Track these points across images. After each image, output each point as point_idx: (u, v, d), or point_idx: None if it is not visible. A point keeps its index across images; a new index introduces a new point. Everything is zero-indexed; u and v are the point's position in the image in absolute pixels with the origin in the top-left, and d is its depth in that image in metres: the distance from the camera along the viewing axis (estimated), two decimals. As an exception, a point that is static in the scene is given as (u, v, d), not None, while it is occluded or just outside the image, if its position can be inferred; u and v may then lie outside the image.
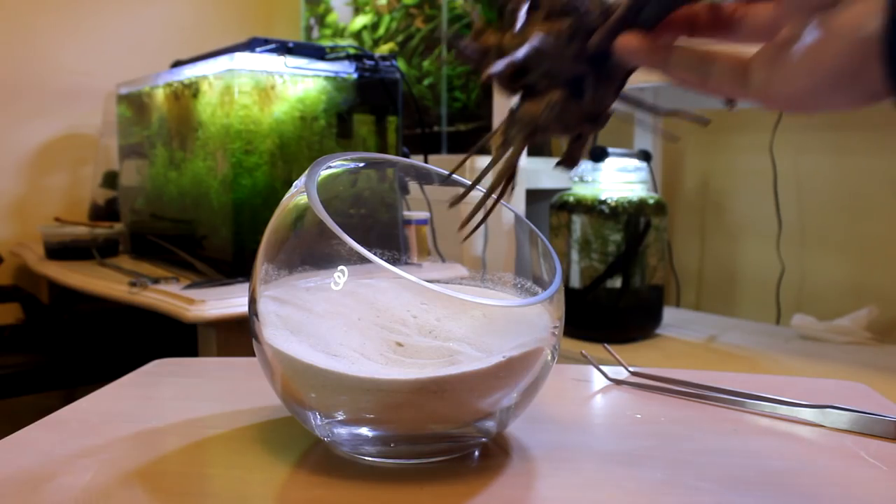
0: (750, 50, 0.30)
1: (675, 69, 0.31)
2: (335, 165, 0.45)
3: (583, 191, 1.20)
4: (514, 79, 0.32)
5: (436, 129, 1.81)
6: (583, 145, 0.34)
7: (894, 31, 0.25)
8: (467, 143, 1.75)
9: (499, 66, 0.31)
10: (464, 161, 0.35)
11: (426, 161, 1.30)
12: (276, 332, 0.40)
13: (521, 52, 0.30)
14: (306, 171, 0.41)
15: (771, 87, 0.28)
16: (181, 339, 1.17)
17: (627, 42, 0.31)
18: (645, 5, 0.30)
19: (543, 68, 0.32)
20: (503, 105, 1.25)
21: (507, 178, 0.33)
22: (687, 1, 0.31)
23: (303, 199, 0.40)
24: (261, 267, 0.42)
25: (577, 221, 1.18)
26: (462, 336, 0.42)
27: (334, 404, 0.38)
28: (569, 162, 0.35)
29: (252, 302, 0.41)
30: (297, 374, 0.39)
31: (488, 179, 0.36)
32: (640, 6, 0.30)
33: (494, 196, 0.35)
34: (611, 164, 1.19)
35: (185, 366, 0.61)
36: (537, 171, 1.42)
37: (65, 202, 1.93)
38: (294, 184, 0.42)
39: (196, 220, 1.33)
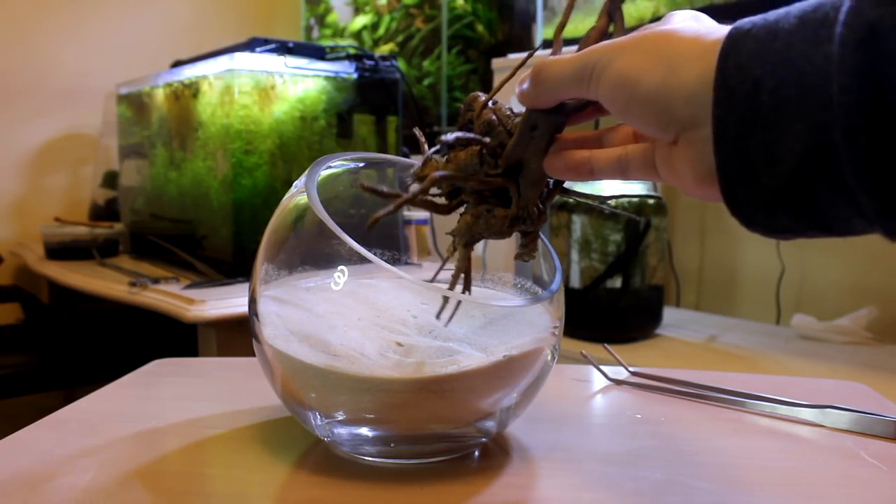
0: None
1: (599, 175, 0.35)
2: (335, 165, 0.45)
3: (583, 191, 1.20)
4: (451, 198, 0.37)
5: (436, 129, 1.81)
6: (533, 240, 0.38)
7: (726, 171, 0.27)
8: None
9: (413, 189, 0.34)
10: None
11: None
12: (276, 332, 0.40)
13: (433, 176, 0.34)
14: (306, 171, 0.41)
15: (673, 181, 0.31)
16: (181, 339, 1.17)
17: (552, 163, 0.35)
18: (535, 126, 0.35)
19: (468, 187, 0.36)
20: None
21: (464, 275, 0.37)
22: (572, 112, 0.35)
23: (303, 199, 0.40)
24: (261, 267, 0.42)
25: (577, 221, 1.18)
26: (462, 336, 0.42)
27: (334, 404, 0.38)
28: (525, 256, 0.39)
29: (252, 302, 0.41)
30: (297, 374, 0.39)
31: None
32: (533, 125, 0.35)
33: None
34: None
35: (185, 366, 0.61)
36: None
37: (65, 202, 1.93)
38: (294, 184, 0.42)
39: (196, 220, 1.33)
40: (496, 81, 1.27)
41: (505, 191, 0.36)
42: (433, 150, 0.35)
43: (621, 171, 0.34)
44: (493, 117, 0.35)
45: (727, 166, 0.26)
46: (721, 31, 0.29)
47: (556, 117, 0.35)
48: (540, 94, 0.33)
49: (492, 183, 0.36)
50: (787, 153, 0.25)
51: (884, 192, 0.23)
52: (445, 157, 0.36)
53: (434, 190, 0.37)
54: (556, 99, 0.34)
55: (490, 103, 0.37)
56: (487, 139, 0.34)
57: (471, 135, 0.35)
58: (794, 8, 0.26)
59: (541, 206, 0.37)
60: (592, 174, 0.35)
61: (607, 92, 0.30)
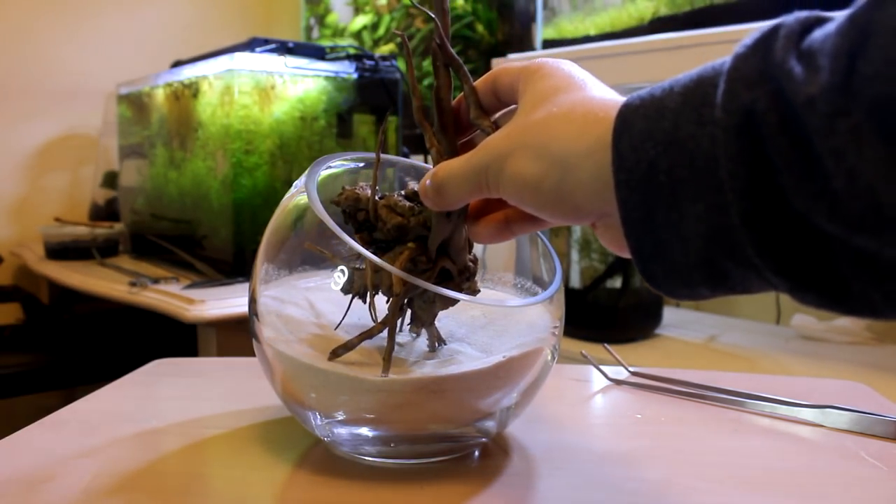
0: None
1: (519, 232, 0.36)
2: (335, 165, 0.45)
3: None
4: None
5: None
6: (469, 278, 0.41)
7: (640, 252, 0.27)
8: (468, 143, 1.75)
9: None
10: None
11: (426, 161, 1.30)
12: (276, 333, 0.40)
13: (393, 314, 0.37)
14: (306, 171, 0.41)
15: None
16: (181, 339, 1.17)
17: (478, 234, 0.37)
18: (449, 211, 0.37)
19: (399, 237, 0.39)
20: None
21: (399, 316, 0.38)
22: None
23: (303, 199, 0.40)
24: (261, 267, 0.42)
25: (577, 221, 1.18)
26: (462, 336, 0.42)
27: (334, 404, 0.38)
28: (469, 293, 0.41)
29: (252, 302, 0.41)
30: (297, 374, 0.39)
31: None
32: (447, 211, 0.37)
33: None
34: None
35: (185, 366, 0.61)
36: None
37: (65, 202, 1.93)
38: (294, 184, 0.42)
39: (196, 220, 1.33)
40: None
41: (422, 239, 0.38)
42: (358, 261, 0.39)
43: (535, 224, 0.35)
44: (402, 219, 0.38)
45: (640, 247, 0.26)
46: (601, 102, 0.29)
47: None
48: (446, 203, 0.34)
49: (431, 269, 0.38)
50: (692, 233, 0.25)
51: (788, 271, 0.23)
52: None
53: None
54: (462, 204, 0.35)
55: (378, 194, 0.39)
56: (412, 245, 0.36)
57: (400, 273, 0.36)
58: (677, 83, 0.26)
59: (473, 256, 0.40)
60: (513, 234, 0.36)
61: (511, 196, 0.31)
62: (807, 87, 0.21)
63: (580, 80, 0.31)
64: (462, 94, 0.37)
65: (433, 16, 0.36)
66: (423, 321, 0.40)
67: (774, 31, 0.23)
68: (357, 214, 0.39)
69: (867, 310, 0.22)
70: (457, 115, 0.37)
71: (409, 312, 0.40)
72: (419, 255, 0.37)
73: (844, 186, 0.20)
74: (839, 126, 0.20)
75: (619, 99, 0.28)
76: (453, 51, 0.36)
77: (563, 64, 0.33)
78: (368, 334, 0.37)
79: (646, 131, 0.25)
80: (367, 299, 0.39)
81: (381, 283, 0.38)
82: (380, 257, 0.38)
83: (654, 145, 0.25)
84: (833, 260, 0.22)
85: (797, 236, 0.22)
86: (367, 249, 0.37)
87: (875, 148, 0.19)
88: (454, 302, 0.39)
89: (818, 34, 0.22)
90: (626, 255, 0.28)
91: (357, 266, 0.40)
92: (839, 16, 0.21)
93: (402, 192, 0.39)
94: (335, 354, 0.37)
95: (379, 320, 0.38)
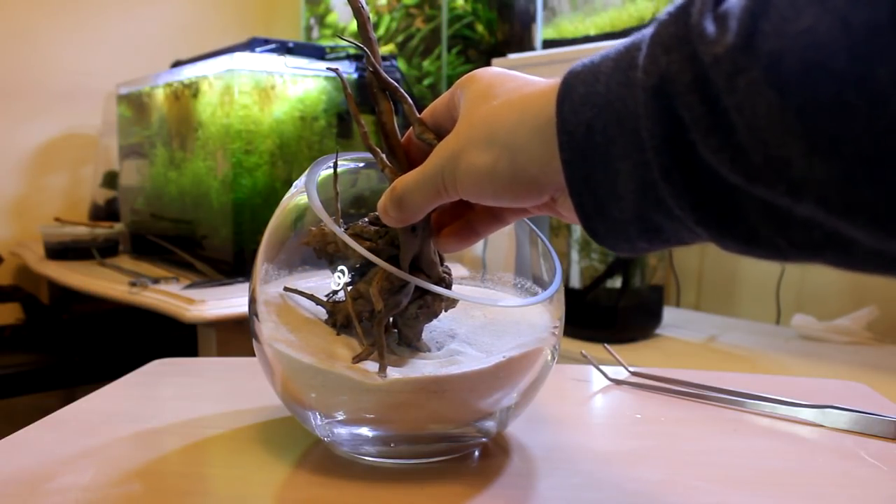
0: None
1: (484, 234, 0.37)
2: (336, 163, 0.45)
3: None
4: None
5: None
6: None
7: (584, 209, 0.28)
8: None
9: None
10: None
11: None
12: (276, 332, 0.40)
13: (382, 333, 0.38)
14: (306, 171, 0.41)
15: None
16: (181, 339, 1.17)
17: (444, 245, 0.38)
18: (414, 227, 0.38)
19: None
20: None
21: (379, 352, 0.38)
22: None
23: (303, 199, 0.40)
24: (261, 267, 0.42)
25: (577, 221, 1.18)
26: (462, 336, 0.42)
27: (334, 404, 0.38)
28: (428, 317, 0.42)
29: (252, 302, 0.41)
30: (297, 374, 0.39)
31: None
32: (412, 227, 0.38)
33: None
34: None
35: (185, 366, 0.61)
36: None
37: (65, 202, 1.93)
38: (294, 184, 0.42)
39: (196, 220, 1.33)
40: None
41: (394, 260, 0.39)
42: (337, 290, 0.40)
43: (497, 221, 0.36)
44: (371, 243, 0.39)
45: (583, 204, 0.28)
46: (537, 84, 0.30)
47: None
48: (408, 217, 0.35)
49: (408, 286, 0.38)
50: (624, 190, 0.26)
51: (706, 221, 0.24)
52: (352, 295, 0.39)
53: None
54: (424, 214, 0.36)
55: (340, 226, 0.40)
56: (388, 266, 0.36)
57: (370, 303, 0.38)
58: (612, 49, 0.27)
59: (446, 268, 0.41)
60: (479, 236, 0.37)
61: (469, 192, 0.32)
62: (714, 46, 0.22)
63: (511, 76, 0.33)
64: (409, 130, 0.38)
65: (361, 46, 0.37)
66: (410, 338, 0.40)
67: None
68: (327, 248, 0.41)
69: (776, 254, 0.24)
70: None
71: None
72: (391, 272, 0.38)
73: (744, 140, 0.22)
74: (739, 82, 0.21)
75: (555, 81, 0.30)
76: (386, 75, 0.38)
77: (493, 69, 0.35)
78: (361, 357, 0.37)
79: (584, 95, 0.27)
80: (355, 328, 0.39)
81: (364, 309, 0.39)
82: (357, 285, 0.39)
83: (591, 108, 0.26)
84: (741, 209, 0.23)
85: (710, 188, 0.24)
86: (344, 286, 0.39)
87: (769, 101, 0.21)
88: (437, 314, 0.40)
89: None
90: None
91: (336, 300, 0.41)
92: None
93: (366, 219, 0.40)
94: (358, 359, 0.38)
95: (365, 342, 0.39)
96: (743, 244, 0.24)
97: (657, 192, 0.25)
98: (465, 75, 0.35)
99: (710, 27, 0.23)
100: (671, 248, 0.28)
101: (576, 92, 0.27)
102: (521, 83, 0.32)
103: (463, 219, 0.37)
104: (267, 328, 0.40)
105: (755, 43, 0.21)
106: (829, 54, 0.19)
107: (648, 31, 0.25)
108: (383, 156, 0.39)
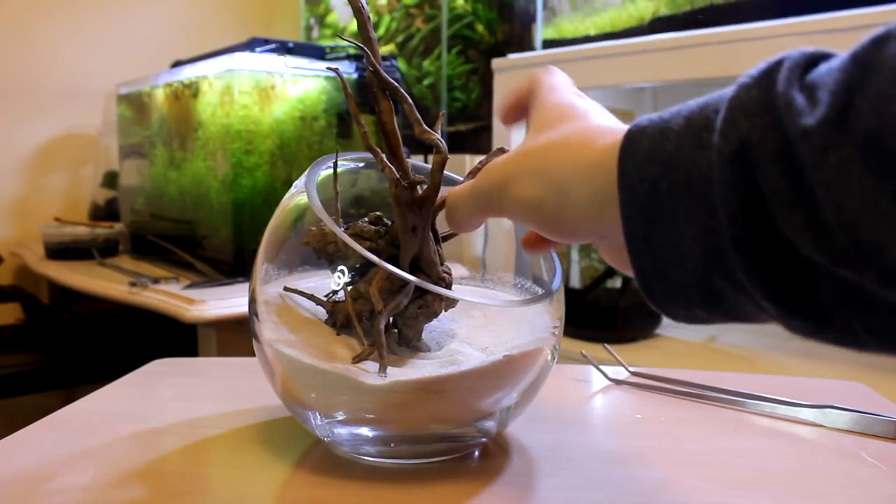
0: None
1: (552, 246, 0.38)
2: (336, 163, 0.45)
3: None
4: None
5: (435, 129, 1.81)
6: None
7: (641, 269, 0.27)
8: (467, 143, 1.75)
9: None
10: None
11: (426, 161, 1.30)
12: (276, 333, 0.40)
13: (380, 332, 0.38)
14: (306, 171, 0.41)
15: None
16: (181, 339, 1.17)
17: (527, 246, 0.38)
18: (414, 227, 0.39)
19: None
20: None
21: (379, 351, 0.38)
22: (440, 208, 0.39)
23: (303, 199, 0.40)
24: (261, 267, 0.42)
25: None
26: (462, 336, 0.42)
27: (334, 404, 0.38)
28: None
29: (252, 302, 0.41)
30: (297, 374, 0.39)
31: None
32: (412, 226, 0.39)
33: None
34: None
35: (185, 366, 0.61)
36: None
37: (65, 202, 1.93)
38: (294, 184, 0.42)
39: (196, 220, 1.33)
40: (496, 82, 1.27)
41: (393, 260, 0.40)
42: (338, 289, 0.40)
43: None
44: (371, 243, 0.39)
45: (641, 264, 0.27)
46: (598, 129, 0.30)
47: (427, 213, 0.39)
48: (457, 225, 0.36)
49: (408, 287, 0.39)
50: (689, 253, 0.25)
51: (776, 297, 0.23)
52: (353, 296, 0.39)
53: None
54: (471, 226, 0.36)
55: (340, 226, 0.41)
56: (388, 266, 0.36)
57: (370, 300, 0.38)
58: (684, 107, 0.26)
59: (446, 268, 0.41)
60: (550, 244, 0.38)
61: (516, 217, 0.32)
62: (804, 119, 0.21)
63: (582, 109, 0.32)
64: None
65: (361, 46, 0.37)
66: (410, 338, 0.40)
67: (779, 63, 0.23)
68: (327, 248, 0.41)
69: (850, 340, 0.23)
70: None
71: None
72: (391, 272, 0.38)
73: (831, 219, 0.21)
74: (830, 159, 0.20)
75: (619, 126, 0.29)
76: (386, 75, 0.38)
77: (562, 79, 0.34)
78: (361, 357, 0.37)
79: (650, 151, 0.26)
80: (355, 328, 0.39)
81: (364, 309, 0.39)
82: (357, 285, 0.39)
83: (657, 165, 0.25)
84: (818, 289, 0.22)
85: (785, 264, 0.22)
86: (344, 286, 0.39)
87: (863, 182, 0.20)
88: (436, 314, 0.40)
89: (822, 69, 0.22)
90: (629, 272, 0.29)
91: (336, 300, 0.41)
92: (843, 53, 0.22)
93: (366, 219, 0.40)
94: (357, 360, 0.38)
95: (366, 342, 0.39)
96: (814, 326, 0.23)
97: (725, 260, 0.24)
98: (540, 75, 0.35)
99: (798, 97, 0.22)
100: (730, 322, 0.27)
101: (641, 147, 0.26)
102: (588, 121, 0.31)
103: None
104: (267, 328, 0.40)
105: (850, 119, 0.20)
106: None
107: (728, 93, 0.24)
108: (383, 156, 0.39)
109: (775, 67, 0.23)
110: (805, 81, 0.22)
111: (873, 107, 0.20)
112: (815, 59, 0.23)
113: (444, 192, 0.38)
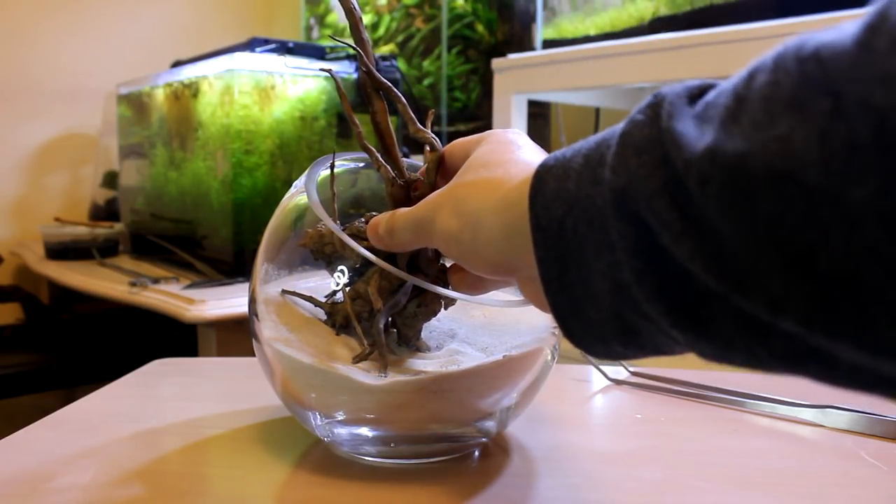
0: None
1: (491, 287, 0.37)
2: (335, 165, 0.45)
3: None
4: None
5: (436, 129, 1.81)
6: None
7: (558, 308, 0.27)
8: (467, 143, 1.75)
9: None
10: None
11: (426, 161, 1.30)
12: (276, 332, 0.40)
13: (379, 330, 0.38)
14: (306, 171, 0.41)
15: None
16: (181, 339, 1.17)
17: (458, 285, 0.38)
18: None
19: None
20: (503, 106, 1.25)
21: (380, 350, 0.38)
22: None
23: (303, 199, 0.40)
24: (261, 267, 0.42)
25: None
26: (462, 336, 0.42)
27: (334, 404, 0.38)
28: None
29: (252, 302, 0.41)
30: (297, 374, 0.39)
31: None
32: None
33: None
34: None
35: (185, 366, 0.61)
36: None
37: (65, 202, 1.93)
38: (294, 184, 0.42)
39: (196, 220, 1.33)
40: (496, 82, 1.27)
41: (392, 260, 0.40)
42: (337, 289, 0.40)
43: (504, 281, 0.36)
44: (368, 243, 0.39)
45: (557, 303, 0.27)
46: (522, 164, 0.31)
47: None
48: (395, 247, 0.37)
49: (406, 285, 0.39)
50: (598, 289, 0.25)
51: (681, 325, 0.23)
52: (351, 296, 0.39)
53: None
54: (410, 249, 0.37)
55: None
56: (384, 263, 0.36)
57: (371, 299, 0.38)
58: (585, 143, 0.27)
59: (443, 266, 0.41)
60: (486, 288, 0.37)
61: (440, 247, 0.33)
62: (688, 151, 0.21)
63: (517, 147, 0.33)
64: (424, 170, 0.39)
65: (355, 46, 0.38)
66: (409, 338, 0.40)
67: (661, 97, 0.24)
68: (324, 249, 0.41)
69: (756, 363, 0.23)
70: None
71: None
72: (389, 272, 0.38)
73: (720, 249, 0.21)
74: (711, 189, 0.21)
75: (536, 162, 0.29)
76: (380, 75, 0.38)
77: (508, 133, 0.35)
78: (361, 357, 0.37)
79: (555, 191, 0.26)
80: (355, 328, 0.39)
81: (363, 309, 0.39)
82: (355, 285, 0.39)
83: (562, 204, 0.26)
84: (718, 316, 0.22)
85: (685, 292, 0.23)
86: (343, 286, 0.39)
87: (740, 210, 0.20)
88: (435, 314, 0.40)
89: (710, 97, 0.22)
90: (547, 312, 0.29)
91: (335, 301, 0.41)
92: (725, 84, 0.22)
93: (363, 220, 0.40)
94: (358, 360, 0.38)
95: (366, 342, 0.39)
96: (720, 351, 0.23)
97: (631, 294, 0.24)
98: (485, 133, 0.36)
99: (684, 129, 0.22)
100: (647, 356, 0.27)
101: (548, 188, 0.27)
102: (516, 157, 0.32)
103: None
104: (267, 328, 0.40)
105: (724, 148, 0.20)
106: (801, 167, 0.19)
107: (619, 128, 0.25)
108: (378, 155, 0.39)
109: (659, 102, 0.23)
110: (695, 110, 0.22)
111: (743, 132, 0.20)
112: (701, 91, 0.24)
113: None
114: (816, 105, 0.19)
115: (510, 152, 0.33)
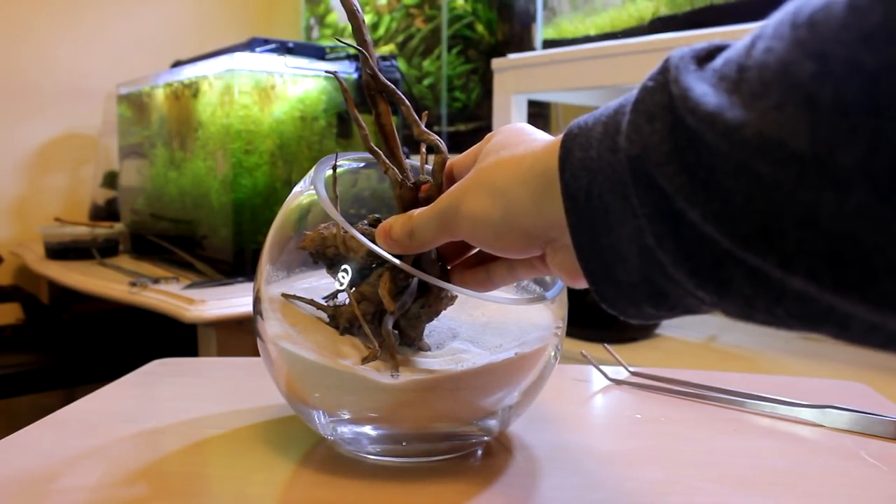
0: None
1: (499, 284, 0.38)
2: (336, 165, 0.45)
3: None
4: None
5: (436, 129, 1.81)
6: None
7: (591, 273, 0.28)
8: (468, 144, 1.75)
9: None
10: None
11: (426, 161, 1.30)
12: (282, 331, 0.40)
13: (389, 331, 0.38)
14: (312, 170, 0.41)
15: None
16: (181, 339, 1.17)
17: (461, 280, 0.38)
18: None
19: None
20: (503, 106, 1.25)
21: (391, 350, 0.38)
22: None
23: (307, 198, 0.40)
24: (265, 266, 0.42)
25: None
26: (465, 335, 0.42)
27: (339, 403, 0.38)
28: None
29: (257, 301, 0.41)
30: (301, 372, 0.39)
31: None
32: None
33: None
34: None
35: (185, 366, 0.61)
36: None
37: (65, 202, 1.93)
38: (298, 183, 0.42)
39: (196, 220, 1.33)
40: (496, 82, 1.27)
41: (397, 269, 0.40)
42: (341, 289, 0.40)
43: (511, 273, 0.37)
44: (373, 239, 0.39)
45: (591, 269, 0.28)
46: (543, 140, 0.31)
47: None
48: (417, 248, 0.36)
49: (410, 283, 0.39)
50: (629, 254, 0.26)
51: (705, 286, 0.24)
52: (357, 298, 0.39)
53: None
54: (431, 247, 0.37)
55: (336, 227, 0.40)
56: (396, 261, 0.36)
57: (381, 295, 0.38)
58: (605, 109, 0.27)
59: (445, 266, 0.41)
60: (493, 285, 0.38)
61: (468, 234, 0.33)
62: (692, 119, 0.22)
63: (525, 133, 0.34)
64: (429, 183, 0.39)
65: (359, 48, 0.38)
66: (412, 338, 0.40)
67: (673, 63, 0.24)
68: (326, 251, 0.41)
69: (777, 322, 0.23)
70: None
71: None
72: (397, 273, 0.38)
73: (729, 209, 0.21)
74: (715, 157, 0.21)
75: (556, 141, 0.30)
76: (384, 78, 0.39)
77: (514, 126, 0.35)
78: (369, 358, 0.37)
79: (581, 161, 0.27)
80: (361, 328, 0.39)
81: (368, 311, 0.39)
82: (359, 287, 0.39)
83: (587, 173, 0.27)
84: (736, 276, 0.23)
85: (703, 254, 0.23)
86: (346, 288, 0.39)
87: (745, 173, 0.20)
88: (438, 313, 0.40)
89: (717, 65, 0.23)
90: (576, 283, 0.30)
91: (337, 304, 0.41)
92: (730, 50, 0.23)
93: (365, 221, 0.41)
94: (365, 361, 0.38)
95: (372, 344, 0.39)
96: (742, 311, 0.24)
97: (657, 257, 0.25)
98: (496, 130, 0.36)
99: (692, 94, 0.22)
100: (678, 316, 0.28)
101: (574, 157, 0.27)
102: (528, 140, 0.32)
103: (483, 266, 0.38)
104: (272, 326, 0.40)
105: (726, 116, 0.21)
106: (791, 132, 0.19)
107: (633, 95, 0.25)
108: (384, 157, 0.39)
109: (668, 68, 0.24)
110: (704, 75, 0.23)
111: (743, 101, 0.20)
112: (709, 53, 0.24)
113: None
114: (801, 69, 0.19)
115: (525, 135, 0.33)
